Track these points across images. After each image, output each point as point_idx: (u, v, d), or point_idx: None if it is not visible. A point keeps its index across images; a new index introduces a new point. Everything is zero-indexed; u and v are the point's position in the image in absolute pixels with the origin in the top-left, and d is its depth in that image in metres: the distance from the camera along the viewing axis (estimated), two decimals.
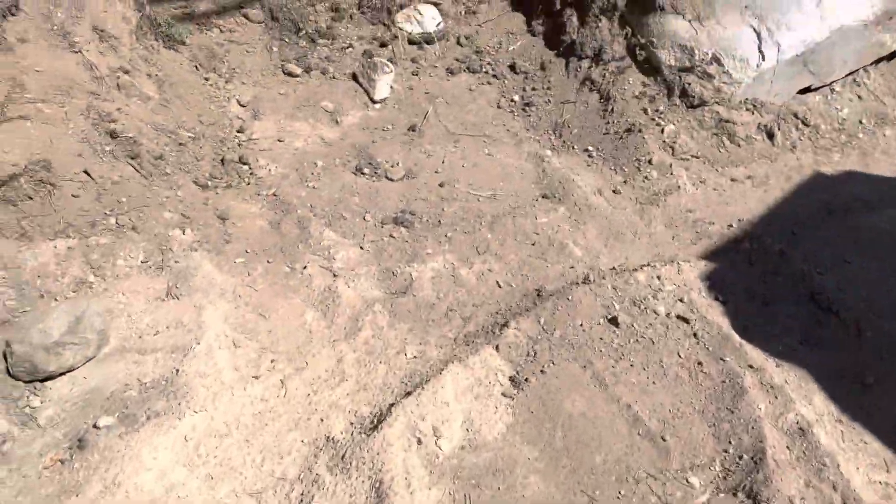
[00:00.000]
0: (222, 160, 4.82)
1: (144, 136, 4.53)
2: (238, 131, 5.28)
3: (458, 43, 6.55)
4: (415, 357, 3.53)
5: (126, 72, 4.77)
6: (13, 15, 4.46)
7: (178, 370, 3.19)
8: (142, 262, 3.75)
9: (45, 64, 4.40)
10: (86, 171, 3.96)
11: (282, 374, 3.37)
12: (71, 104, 4.31)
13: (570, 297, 3.64)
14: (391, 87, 5.91)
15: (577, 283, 3.80)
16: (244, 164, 4.89)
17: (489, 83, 6.22)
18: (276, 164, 4.87)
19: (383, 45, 6.40)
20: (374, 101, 5.80)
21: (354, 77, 6.02)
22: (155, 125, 4.71)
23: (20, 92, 4.22)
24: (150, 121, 4.70)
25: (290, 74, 5.97)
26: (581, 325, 3.54)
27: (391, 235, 4.28)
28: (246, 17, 6.22)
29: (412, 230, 4.32)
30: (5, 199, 3.75)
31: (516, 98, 6.05)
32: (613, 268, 4.11)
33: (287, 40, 6.21)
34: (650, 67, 5.62)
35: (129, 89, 4.77)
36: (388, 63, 5.82)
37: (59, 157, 3.96)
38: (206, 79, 5.59)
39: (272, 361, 3.41)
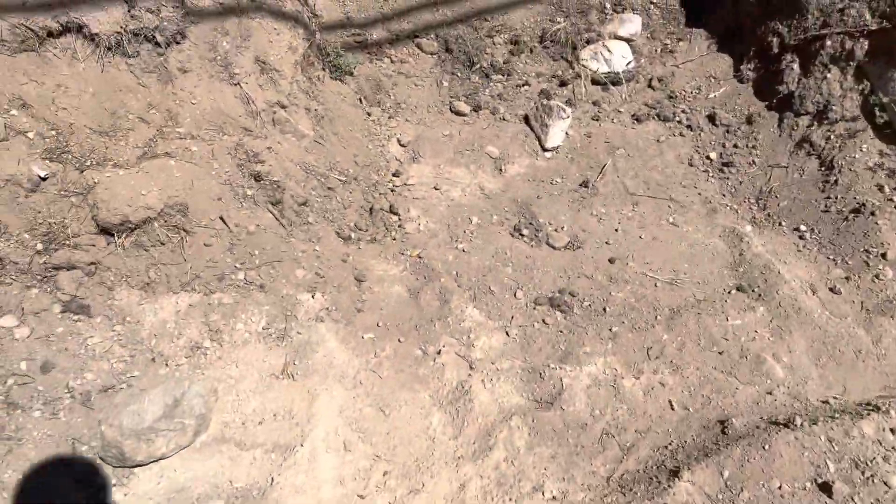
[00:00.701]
0: (371, 209, 4.37)
1: (291, 177, 4.18)
2: (393, 175, 4.83)
3: (650, 85, 5.72)
4: (553, 499, 2.82)
5: (283, 106, 4.45)
6: (178, 43, 4.27)
7: (273, 479, 2.72)
8: (262, 328, 3.35)
9: (201, 96, 4.17)
10: (222, 218, 3.63)
11: (392, 495, 2.80)
12: (220, 141, 4.04)
13: (766, 446, 2.77)
14: (566, 133, 5.21)
15: (777, 425, 2.90)
16: (394, 213, 4.41)
17: (681, 135, 5.35)
18: (428, 218, 4.34)
19: (563, 83, 5.72)
20: (544, 149, 5.14)
21: (526, 120, 5.39)
22: (305, 166, 4.35)
23: (172, 125, 4.00)
24: (300, 161, 4.35)
25: (458, 113, 5.45)
26: (780, 487, 2.66)
27: (544, 321, 3.60)
28: (419, 46, 5.79)
29: (569, 316, 3.61)
30: (137, 244, 3.50)
31: (713, 155, 5.12)
32: (826, 401, 3.15)
33: (459, 74, 5.70)
34: (893, 133, 4.49)
35: (284, 125, 4.45)
36: (565, 107, 5.13)
37: (198, 200, 3.66)
38: (369, 114, 5.21)
39: (384, 475, 2.86)
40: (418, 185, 4.75)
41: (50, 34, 3.86)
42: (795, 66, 5.13)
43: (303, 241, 3.84)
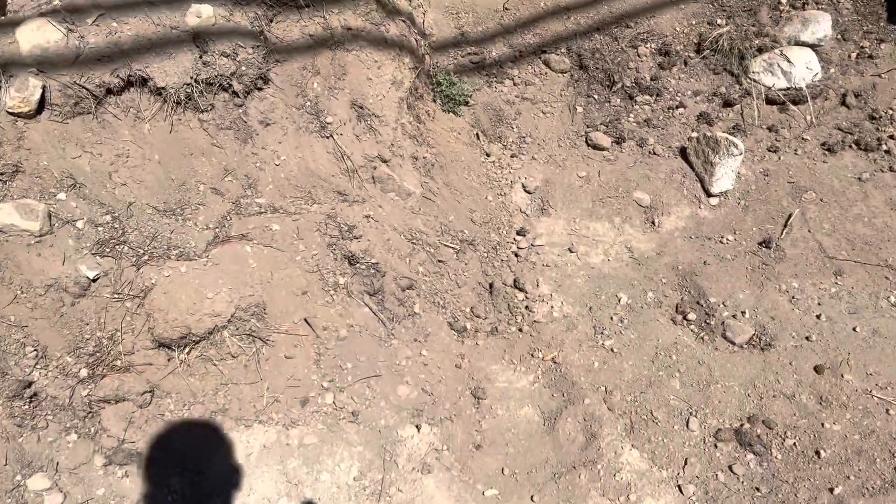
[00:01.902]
0: (491, 286, 3.47)
1: (394, 252, 3.34)
2: (518, 233, 3.91)
3: (843, 103, 4.46)
4: None
5: (385, 160, 3.62)
6: (259, 90, 3.51)
7: None
8: (354, 479, 2.56)
9: (287, 154, 3.41)
10: (307, 321, 2.84)
11: None
12: (307, 214, 3.26)
13: None
14: (737, 172, 4.08)
15: None
16: (519, 289, 3.49)
17: (892, 169, 4.08)
18: (563, 296, 3.39)
19: (727, 104, 4.57)
20: (709, 194, 4.04)
21: (683, 154, 4.29)
22: (411, 234, 3.51)
23: (251, 195, 3.25)
24: (405, 228, 3.50)
25: (596, 147, 4.43)
26: None
27: (731, 468, 2.58)
28: (547, 64, 4.79)
29: (766, 462, 2.58)
30: (203, 358, 2.76)
31: None
32: None
33: (596, 96, 4.67)
34: None
35: (386, 183, 3.61)
36: (736, 141, 4.00)
37: (278, 297, 2.90)
38: (487, 154, 4.29)
39: None
40: (549, 246, 3.79)
41: (109, 91, 3.20)
42: None
43: (407, 343, 2.99)
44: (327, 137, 3.58)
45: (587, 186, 4.17)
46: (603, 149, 4.43)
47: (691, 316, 3.34)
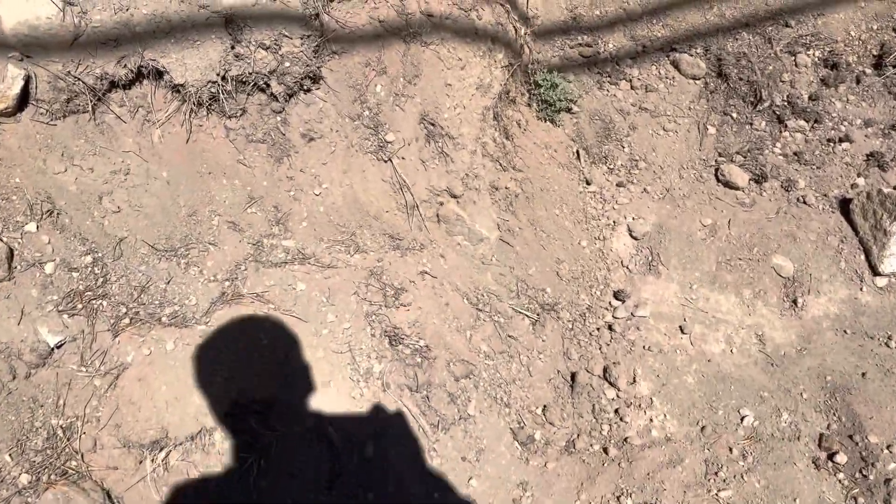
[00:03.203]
0: (573, 376, 2.64)
1: (451, 324, 2.56)
2: (615, 297, 3.04)
3: None
4: None
5: (455, 195, 2.81)
6: (306, 91, 2.72)
7: None
8: None
9: (332, 179, 2.64)
10: (326, 422, 2.10)
11: None
12: (345, 269, 2.48)
13: None
14: None
15: None
16: (610, 383, 2.67)
17: None
18: (667, 403, 2.55)
19: None
20: (876, 272, 3.03)
21: (845, 209, 3.29)
22: (477, 295, 2.72)
23: (278, 233, 2.49)
24: (470, 286, 2.72)
25: (728, 185, 3.46)
26: None
27: None
28: (676, 66, 3.80)
29: None
30: (186, 461, 2.08)
31: None
32: None
33: (735, 115, 3.66)
34: None
35: (453, 226, 2.81)
36: None
37: (291, 389, 2.15)
38: (588, 182, 3.40)
39: None
40: (654, 319, 2.92)
41: (113, 86, 2.48)
42: None
43: (453, 462, 2.21)
44: (385, 161, 2.77)
45: (712, 240, 3.22)
46: (737, 188, 3.45)
47: (840, 458, 2.43)
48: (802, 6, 3.79)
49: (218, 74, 2.57)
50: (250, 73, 2.62)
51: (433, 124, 2.82)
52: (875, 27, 3.69)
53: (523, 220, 3.11)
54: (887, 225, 3.06)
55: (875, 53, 3.72)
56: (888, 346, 2.85)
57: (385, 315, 2.42)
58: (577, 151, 3.58)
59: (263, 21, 2.58)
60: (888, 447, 2.48)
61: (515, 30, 3.34)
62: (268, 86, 2.66)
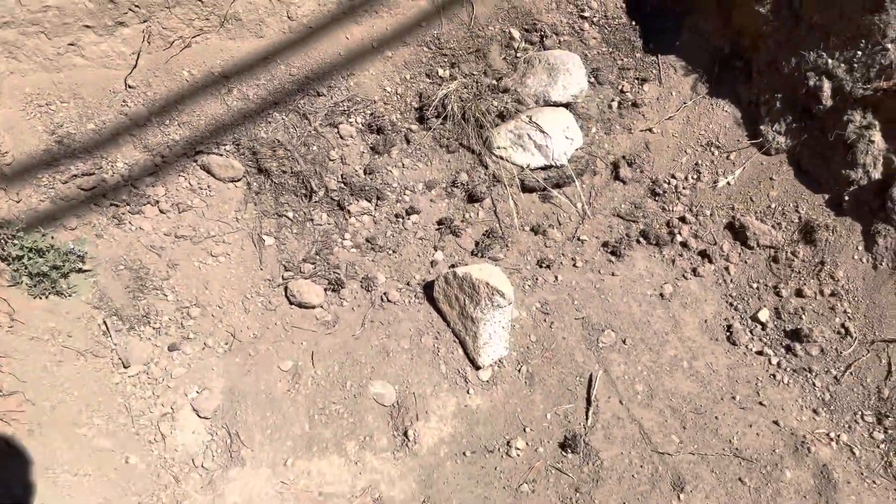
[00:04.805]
0: None
1: None
2: None
3: (617, 176, 3.37)
4: None
5: None
6: None
7: None
8: None
9: None
10: None
11: None
12: None
13: None
14: (511, 325, 2.75)
15: None
16: None
17: (695, 272, 3.07)
18: None
19: (473, 198, 3.26)
20: (477, 366, 2.66)
21: (432, 297, 2.87)
22: None
23: None
24: None
25: (303, 305, 2.87)
26: None
27: None
28: (208, 170, 3.24)
29: None
30: None
31: (763, 316, 2.84)
32: None
33: (290, 215, 3.16)
34: None
35: None
36: (500, 288, 2.65)
37: None
38: (125, 365, 2.53)
39: None
40: None
41: None
42: (875, 134, 2.84)
43: None
44: None
45: (297, 389, 2.59)
46: (313, 306, 2.85)
47: None
48: (328, 69, 3.31)
49: None
50: None
51: None
52: (408, 76, 3.35)
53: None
54: (473, 312, 2.70)
55: (416, 106, 3.40)
56: (510, 456, 2.47)
57: None
58: (105, 322, 2.67)
59: None
60: None
61: None
62: None
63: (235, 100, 3.21)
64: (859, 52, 2.90)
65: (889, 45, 2.83)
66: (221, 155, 3.14)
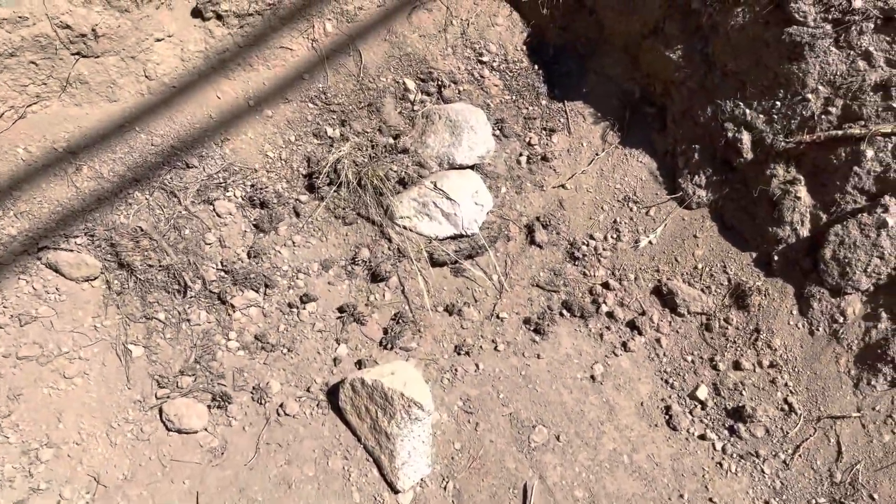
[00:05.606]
0: None
1: None
2: None
3: (532, 241, 3.07)
4: None
5: None
6: None
7: None
8: None
9: None
10: None
11: None
12: None
13: None
14: (431, 435, 2.38)
15: None
16: None
17: (625, 348, 2.79)
18: None
19: (377, 277, 2.88)
20: (396, 490, 2.27)
21: (337, 407, 2.46)
22: None
23: None
24: None
25: (182, 431, 2.36)
26: None
27: None
28: (56, 269, 2.72)
29: None
30: None
31: (702, 394, 2.61)
32: None
33: (161, 317, 2.65)
34: None
35: None
36: (418, 399, 2.28)
37: None
38: None
39: None
40: None
41: None
42: (800, 190, 2.67)
43: None
44: None
45: None
46: (196, 431, 2.37)
47: None
48: (198, 135, 2.83)
49: None
50: None
51: None
52: (293, 138, 2.92)
53: None
54: (386, 426, 2.30)
55: (304, 172, 2.97)
56: None
57: None
58: None
59: None
60: None
61: None
62: None
63: (86, 179, 2.70)
64: (778, 103, 2.70)
65: (809, 96, 2.65)
66: (72, 250, 2.62)
